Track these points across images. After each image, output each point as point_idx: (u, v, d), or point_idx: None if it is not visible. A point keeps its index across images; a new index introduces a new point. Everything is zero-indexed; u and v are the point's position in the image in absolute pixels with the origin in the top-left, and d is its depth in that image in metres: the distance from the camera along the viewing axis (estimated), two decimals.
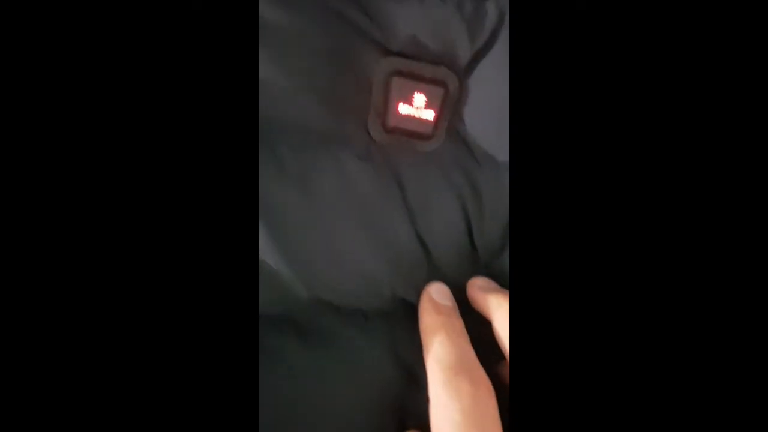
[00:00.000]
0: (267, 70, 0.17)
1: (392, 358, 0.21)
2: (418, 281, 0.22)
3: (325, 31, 0.17)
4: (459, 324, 0.20)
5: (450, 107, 0.19)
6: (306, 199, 0.20)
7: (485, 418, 0.17)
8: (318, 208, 0.20)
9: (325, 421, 0.19)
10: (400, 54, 0.18)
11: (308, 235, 0.20)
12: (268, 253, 0.20)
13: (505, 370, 0.21)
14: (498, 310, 0.19)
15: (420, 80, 0.18)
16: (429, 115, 0.19)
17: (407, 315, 0.22)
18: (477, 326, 0.20)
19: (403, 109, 0.19)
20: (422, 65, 0.18)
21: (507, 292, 0.21)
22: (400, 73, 0.18)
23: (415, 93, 0.18)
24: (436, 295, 0.21)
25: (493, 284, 0.22)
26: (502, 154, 0.21)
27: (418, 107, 0.19)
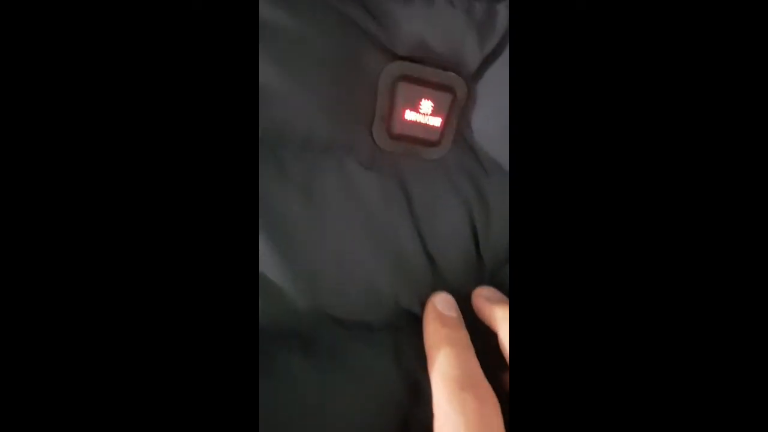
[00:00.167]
0: (268, 74, 0.16)
1: (397, 371, 0.20)
2: (423, 291, 0.22)
3: (329, 33, 0.16)
4: (464, 336, 0.20)
5: (458, 113, 0.19)
6: (308, 208, 0.19)
7: None
8: (321, 217, 0.19)
9: None
10: (406, 58, 0.17)
11: (310, 246, 0.19)
12: (268, 264, 0.19)
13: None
14: (503, 322, 0.19)
15: (427, 85, 0.18)
16: (436, 121, 0.19)
17: (412, 327, 0.21)
18: (482, 337, 0.20)
19: (410, 115, 0.18)
20: (430, 70, 0.18)
21: None
22: (406, 78, 0.18)
23: (422, 99, 0.18)
24: (441, 305, 0.21)
25: (498, 294, 0.22)
26: None
27: (424, 113, 0.18)
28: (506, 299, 0.21)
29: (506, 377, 0.20)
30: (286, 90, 0.17)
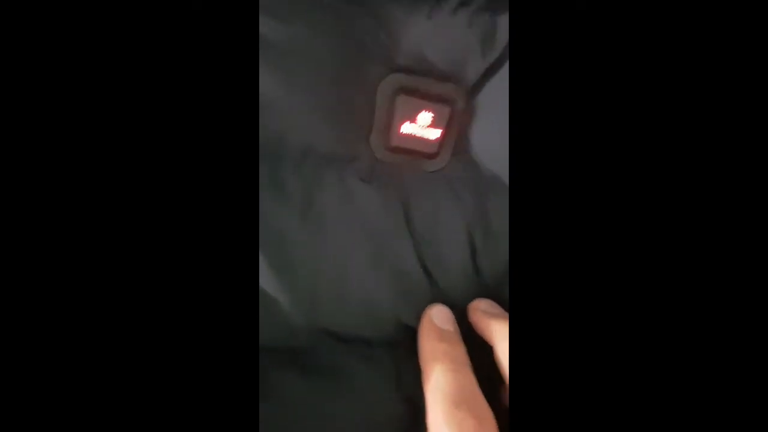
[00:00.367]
0: (267, 85, 0.16)
1: (396, 388, 0.20)
2: (422, 306, 0.21)
3: (328, 45, 0.16)
4: (461, 351, 0.19)
5: (457, 126, 0.19)
6: (307, 222, 0.19)
7: None
8: (319, 231, 0.19)
9: None
10: (406, 70, 0.17)
11: (309, 260, 0.19)
12: (266, 279, 0.19)
13: (507, 397, 0.20)
14: (501, 336, 0.19)
15: (426, 98, 0.18)
16: (433, 134, 0.18)
17: (411, 343, 0.21)
18: (479, 351, 0.19)
19: (407, 128, 0.18)
20: (429, 82, 0.18)
21: None
22: (405, 90, 0.18)
23: (421, 111, 0.18)
24: (437, 319, 0.21)
25: (496, 308, 0.21)
26: None
27: (422, 126, 0.18)
28: (504, 313, 0.21)
29: (503, 393, 0.20)
30: (285, 102, 0.17)
